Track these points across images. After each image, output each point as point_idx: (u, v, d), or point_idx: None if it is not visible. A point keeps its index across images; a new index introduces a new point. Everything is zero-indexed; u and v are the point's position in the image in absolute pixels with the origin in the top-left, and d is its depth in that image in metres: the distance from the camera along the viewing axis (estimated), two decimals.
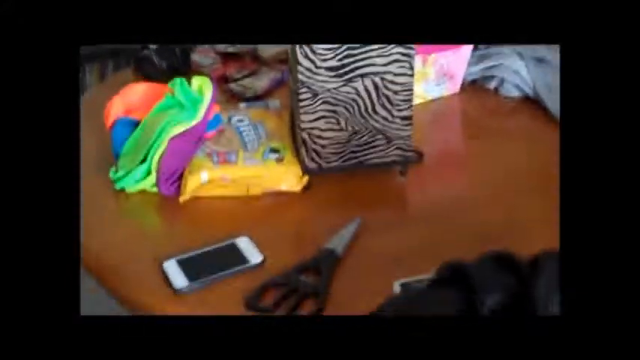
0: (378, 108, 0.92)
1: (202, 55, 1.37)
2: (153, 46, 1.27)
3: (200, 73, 1.32)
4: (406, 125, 0.94)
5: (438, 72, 1.20)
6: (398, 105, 0.93)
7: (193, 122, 0.98)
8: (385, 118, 0.93)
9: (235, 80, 1.27)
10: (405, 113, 0.93)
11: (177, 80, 1.00)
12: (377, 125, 0.94)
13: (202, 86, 1.00)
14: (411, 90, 0.92)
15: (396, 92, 0.92)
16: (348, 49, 0.88)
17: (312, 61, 0.88)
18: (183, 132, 0.97)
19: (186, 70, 1.31)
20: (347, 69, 0.89)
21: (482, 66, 1.25)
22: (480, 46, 1.29)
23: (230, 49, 1.34)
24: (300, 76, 0.89)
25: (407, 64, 0.90)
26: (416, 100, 1.20)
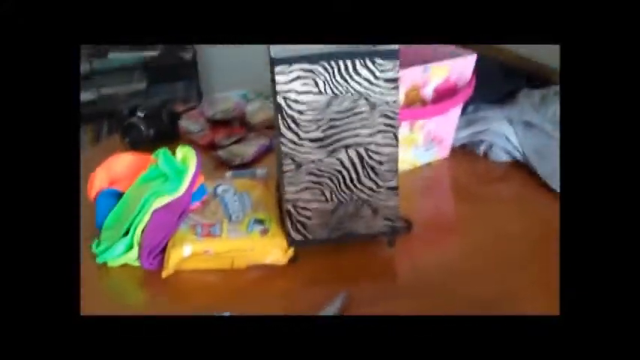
0: (364, 179, 0.91)
1: (191, 121, 1.37)
2: (140, 114, 1.27)
3: (188, 140, 1.33)
4: (393, 195, 0.93)
5: (426, 137, 1.20)
6: (383, 175, 0.91)
7: (177, 194, 0.96)
8: (371, 189, 0.92)
9: (223, 147, 1.27)
10: (390, 184, 0.92)
11: (161, 151, 0.99)
12: (363, 196, 0.92)
13: (186, 156, 0.99)
14: (396, 160, 0.91)
15: (381, 163, 0.90)
16: (331, 120, 0.87)
17: (296, 133, 0.87)
18: (167, 204, 0.95)
19: (174, 136, 1.31)
20: (331, 140, 0.88)
21: (470, 130, 1.25)
22: (468, 110, 1.29)
23: (218, 115, 1.34)
24: (283, 148, 0.88)
25: (391, 135, 0.89)
26: (405, 167, 1.20)
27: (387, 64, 0.85)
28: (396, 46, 0.85)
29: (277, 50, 0.85)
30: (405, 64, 1.12)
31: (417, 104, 1.14)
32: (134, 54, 2.77)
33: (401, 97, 1.11)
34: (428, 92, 1.14)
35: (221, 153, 1.24)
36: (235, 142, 1.28)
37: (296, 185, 0.90)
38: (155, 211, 0.94)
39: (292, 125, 0.87)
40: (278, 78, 0.84)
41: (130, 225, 0.93)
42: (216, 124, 1.34)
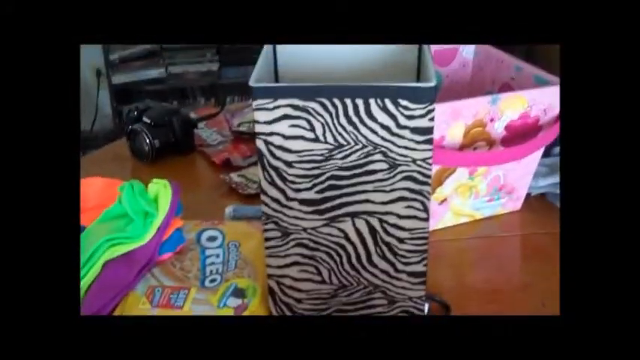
0: (376, 259, 0.65)
1: (213, 130, 1.15)
2: (146, 120, 1.05)
3: (202, 154, 1.10)
4: (417, 284, 0.67)
5: (491, 185, 0.92)
6: (404, 257, 0.65)
7: (139, 243, 0.74)
8: (386, 273, 0.66)
9: (238, 168, 1.04)
10: (415, 268, 0.66)
11: (127, 185, 0.77)
12: (375, 281, 0.67)
13: (159, 194, 0.77)
14: (425, 238, 0.65)
15: (401, 240, 0.64)
16: (332, 178, 0.61)
17: (282, 191, 0.62)
18: (124, 255, 0.74)
19: (187, 148, 1.09)
20: (330, 204, 0.63)
21: (554, 179, 0.96)
22: (554, 152, 0.99)
23: (244, 127, 1.11)
24: (265, 209, 0.64)
25: (418, 204, 0.63)
26: (461, 219, 0.93)
27: (417, 108, 0.58)
28: (431, 84, 0.58)
29: (259, 75, 0.60)
30: (466, 91, 0.84)
31: (482, 145, 0.86)
32: None
33: (459, 135, 0.84)
34: (497, 130, 0.86)
35: (233, 176, 1.01)
36: (255, 164, 1.04)
37: (281, 258, 0.66)
38: (107, 263, 0.73)
39: (277, 180, 0.62)
40: (257, 115, 0.59)
41: None
42: (239, 137, 1.11)
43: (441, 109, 0.81)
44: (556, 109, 0.87)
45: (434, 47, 1.00)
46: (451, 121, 0.82)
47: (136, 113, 1.07)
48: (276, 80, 0.74)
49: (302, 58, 0.73)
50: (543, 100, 0.86)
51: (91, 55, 2.62)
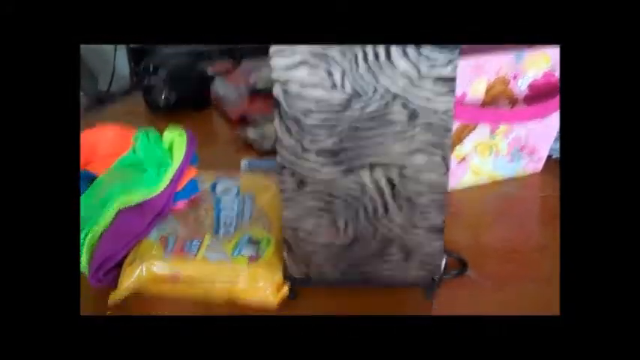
0: (394, 212, 0.64)
1: (230, 85, 1.13)
2: (163, 72, 1.04)
3: (219, 110, 1.09)
4: (435, 238, 0.66)
5: (512, 145, 0.90)
6: (423, 211, 0.64)
7: (152, 192, 0.74)
8: (403, 227, 0.65)
9: (255, 125, 1.02)
10: (433, 222, 0.65)
11: (142, 133, 0.76)
12: (391, 234, 0.66)
13: (174, 144, 0.76)
14: (444, 192, 0.63)
15: (420, 193, 0.63)
16: (350, 128, 0.60)
17: (298, 140, 0.61)
18: (138, 204, 0.73)
19: (203, 103, 1.08)
20: (348, 155, 0.61)
21: None
22: None
23: (260, 84, 1.10)
24: (280, 158, 0.63)
25: (438, 157, 0.61)
26: (480, 179, 0.91)
27: (440, 57, 0.57)
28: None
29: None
30: (490, 48, 0.82)
31: (504, 103, 0.84)
32: None
33: (481, 91, 0.82)
34: (520, 88, 0.84)
35: (250, 132, 1.00)
36: (271, 121, 1.03)
37: (297, 209, 0.65)
38: (121, 212, 0.73)
39: (294, 129, 0.61)
40: (275, 61, 0.58)
41: (86, 225, 0.71)
42: (256, 94, 1.09)
43: (464, 65, 0.79)
44: None
45: None
46: (473, 77, 0.80)
47: (152, 67, 1.06)
48: None
49: None
50: None
51: None
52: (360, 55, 0.57)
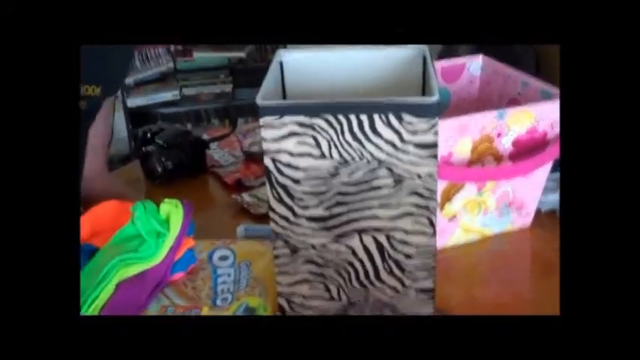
0: (385, 275, 0.66)
1: (225, 151, 1.16)
2: (159, 141, 1.07)
3: (214, 175, 1.12)
4: (426, 300, 0.67)
5: (500, 201, 0.92)
6: (412, 273, 0.66)
7: (151, 263, 0.75)
8: (395, 289, 0.66)
9: (250, 188, 1.05)
10: (423, 284, 0.66)
11: (139, 205, 0.78)
12: (383, 297, 0.67)
13: (170, 215, 0.78)
14: (432, 253, 0.65)
15: (409, 256, 0.65)
16: (339, 194, 0.62)
17: (290, 208, 0.63)
18: (137, 275, 0.75)
19: (198, 170, 1.11)
20: (338, 221, 0.63)
21: None
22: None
23: (255, 147, 1.12)
24: (274, 226, 0.64)
25: (424, 220, 0.63)
26: (470, 237, 0.93)
27: (421, 123, 0.59)
28: (433, 99, 0.59)
29: (266, 92, 0.62)
30: (474, 106, 0.85)
31: (489, 160, 0.87)
32: (219, 54, 2.62)
33: (466, 150, 0.84)
34: (505, 145, 0.87)
35: (245, 196, 1.02)
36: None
37: (291, 275, 0.67)
38: (121, 283, 0.74)
39: (285, 198, 0.63)
40: (265, 133, 0.60)
41: (86, 299, 0.72)
42: (251, 158, 1.12)
43: (448, 125, 0.81)
44: None
45: (441, 63, 1.01)
46: (458, 136, 0.83)
47: (148, 135, 1.09)
48: (284, 96, 0.75)
49: (308, 72, 0.74)
50: (550, 115, 0.86)
51: None
52: (346, 124, 0.59)
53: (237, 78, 2.65)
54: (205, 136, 1.17)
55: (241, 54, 2.62)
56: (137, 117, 2.64)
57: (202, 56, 2.63)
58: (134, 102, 2.62)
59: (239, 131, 1.23)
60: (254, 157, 1.12)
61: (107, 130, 1.05)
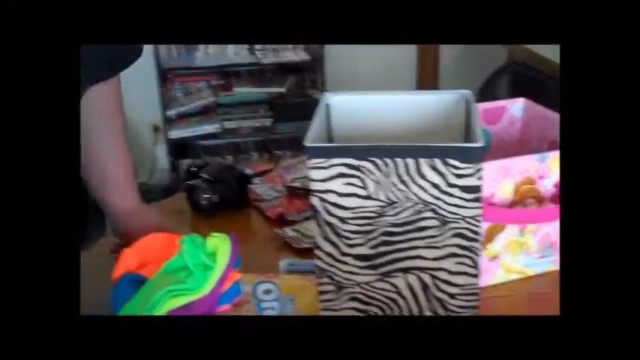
0: (427, 314, 0.67)
1: (267, 185, 1.19)
2: (204, 175, 1.10)
3: (257, 209, 1.14)
4: None
5: (541, 242, 0.92)
6: (454, 312, 0.67)
7: (198, 295, 0.78)
8: None
9: (293, 223, 1.07)
10: None
11: (187, 238, 0.81)
12: None
13: (218, 248, 0.80)
14: (475, 294, 0.66)
15: (452, 296, 0.66)
16: (385, 234, 0.64)
17: (336, 246, 0.65)
18: (185, 306, 0.77)
19: (241, 204, 1.13)
20: (383, 260, 0.65)
21: None
22: None
23: (297, 182, 1.15)
24: (319, 263, 0.66)
25: (468, 260, 0.64)
26: (511, 276, 0.93)
27: (466, 167, 0.61)
28: (479, 144, 0.61)
29: (314, 134, 0.64)
30: (515, 148, 0.86)
31: (531, 202, 0.88)
32: (259, 89, 2.68)
33: (508, 192, 0.85)
34: (547, 187, 0.87)
35: (287, 231, 1.04)
36: (309, 219, 1.07)
37: (336, 312, 0.68)
38: (169, 314, 0.76)
39: (331, 236, 0.65)
40: (313, 173, 0.63)
41: None
42: (293, 193, 1.14)
43: (491, 167, 0.83)
44: None
45: (482, 106, 1.02)
46: (500, 178, 0.84)
47: (194, 169, 1.12)
48: (330, 136, 0.77)
49: (353, 114, 0.76)
50: None
51: (149, 111, 2.73)
52: (392, 167, 0.61)
53: (277, 112, 2.70)
54: (248, 171, 1.20)
55: (281, 89, 2.67)
56: (178, 148, 2.71)
57: (242, 91, 2.69)
58: (176, 134, 2.69)
59: (280, 166, 1.26)
60: (296, 192, 1.15)
61: (127, 155, 0.97)
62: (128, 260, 0.86)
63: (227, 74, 2.74)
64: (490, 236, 0.88)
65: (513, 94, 1.06)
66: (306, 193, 1.12)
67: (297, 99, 2.68)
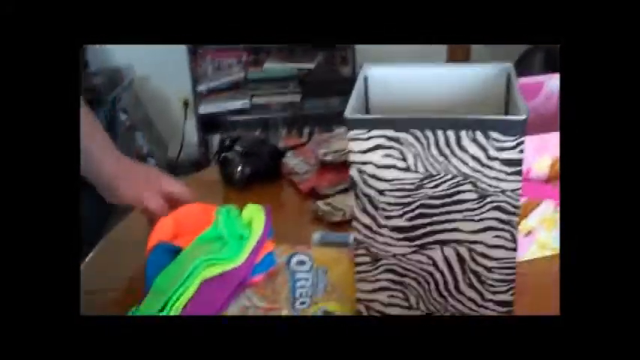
0: (463, 287, 0.67)
1: (300, 159, 1.19)
2: (238, 148, 1.11)
3: (290, 182, 1.15)
4: (504, 313, 0.68)
5: None
6: (492, 286, 0.66)
7: (233, 264, 0.78)
8: (473, 301, 0.67)
9: (325, 196, 1.07)
10: (502, 297, 0.67)
11: (223, 209, 0.82)
12: (462, 308, 0.68)
13: (253, 218, 0.81)
14: (512, 268, 0.66)
15: (489, 269, 0.66)
16: (422, 206, 0.64)
17: (373, 218, 0.65)
18: (219, 275, 0.78)
19: (274, 176, 1.14)
20: (420, 232, 0.65)
21: None
22: None
23: (329, 156, 1.15)
24: (356, 235, 0.67)
25: (507, 234, 0.64)
26: (545, 252, 0.93)
27: (507, 141, 0.60)
28: (522, 117, 0.60)
29: (354, 106, 0.64)
30: (552, 124, 0.85)
31: None
32: (289, 65, 2.67)
33: (545, 167, 0.84)
34: None
35: (320, 205, 1.04)
36: (341, 192, 1.07)
37: (371, 283, 0.69)
38: (204, 283, 0.77)
39: (369, 207, 0.65)
40: (352, 145, 0.63)
41: (170, 297, 0.76)
42: (325, 167, 1.14)
43: (528, 142, 0.81)
44: None
45: (519, 80, 1.01)
46: (537, 154, 0.83)
47: (228, 142, 1.12)
48: (367, 109, 0.77)
49: (391, 87, 0.76)
50: None
51: (179, 87, 2.75)
52: (432, 139, 0.61)
53: (306, 88, 2.69)
54: (281, 145, 1.21)
55: (310, 65, 2.66)
56: (207, 123, 2.72)
57: (272, 67, 2.69)
58: (205, 109, 2.70)
59: (313, 140, 1.26)
60: (328, 166, 1.15)
61: (96, 124, 0.91)
62: (164, 229, 0.88)
63: (257, 50, 2.74)
64: (525, 212, 0.87)
65: (546, 71, 1.04)
66: (338, 167, 1.13)
67: (325, 75, 2.67)
